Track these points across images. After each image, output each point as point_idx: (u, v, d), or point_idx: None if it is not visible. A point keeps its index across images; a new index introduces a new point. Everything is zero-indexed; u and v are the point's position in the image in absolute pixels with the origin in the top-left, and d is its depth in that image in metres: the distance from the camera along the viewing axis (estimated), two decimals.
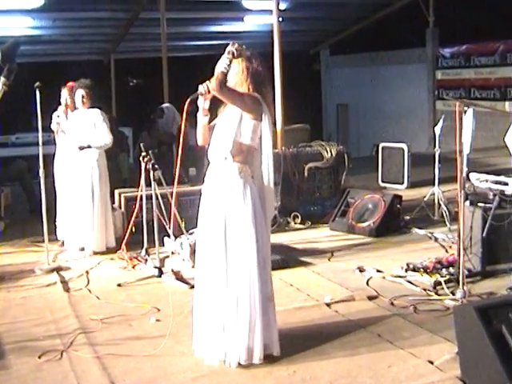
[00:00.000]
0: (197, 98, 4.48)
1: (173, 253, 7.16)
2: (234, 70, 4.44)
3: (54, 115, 7.69)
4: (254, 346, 4.38)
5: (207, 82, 4.43)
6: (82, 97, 7.36)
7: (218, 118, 4.59)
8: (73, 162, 7.46)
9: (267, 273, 4.50)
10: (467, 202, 6.02)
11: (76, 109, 7.49)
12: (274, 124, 4.59)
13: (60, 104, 7.70)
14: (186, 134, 4.75)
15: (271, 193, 4.58)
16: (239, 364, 4.38)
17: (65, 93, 7.62)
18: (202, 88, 4.43)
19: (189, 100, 4.44)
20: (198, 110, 4.55)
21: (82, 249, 7.40)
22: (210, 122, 4.58)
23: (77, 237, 7.45)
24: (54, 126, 7.67)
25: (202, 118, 4.55)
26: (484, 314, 3.95)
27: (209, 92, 4.41)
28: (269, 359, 4.45)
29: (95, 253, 7.33)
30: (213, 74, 4.39)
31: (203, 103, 4.49)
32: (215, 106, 4.63)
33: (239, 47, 4.42)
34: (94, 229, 7.36)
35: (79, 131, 7.38)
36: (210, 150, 4.53)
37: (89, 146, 7.33)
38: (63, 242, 7.67)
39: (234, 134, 4.37)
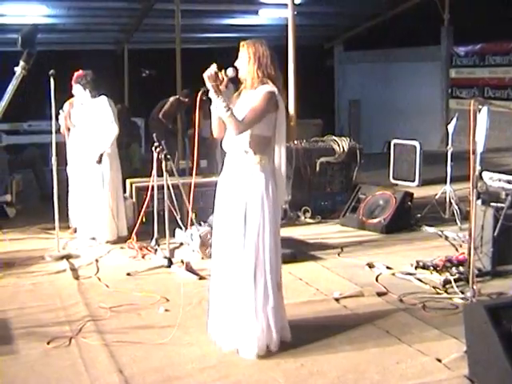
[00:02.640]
0: (208, 89, 4.47)
1: (182, 244, 7.17)
2: (242, 59, 4.44)
3: (65, 109, 7.66)
4: (273, 332, 4.45)
5: (218, 72, 4.42)
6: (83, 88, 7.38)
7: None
8: (83, 151, 7.47)
9: (279, 259, 4.57)
10: (479, 201, 5.99)
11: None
12: (287, 111, 4.57)
13: (72, 95, 7.66)
14: (200, 126, 4.75)
15: (283, 182, 4.59)
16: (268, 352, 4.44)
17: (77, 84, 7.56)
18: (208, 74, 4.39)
19: (201, 92, 4.45)
20: (211, 102, 4.55)
21: (93, 238, 7.43)
22: None
23: (88, 226, 7.47)
24: (61, 121, 7.60)
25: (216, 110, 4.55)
26: (494, 313, 3.94)
27: (220, 83, 4.41)
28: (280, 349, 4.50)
29: (107, 242, 7.36)
30: (227, 66, 4.40)
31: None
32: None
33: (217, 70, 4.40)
34: (105, 218, 7.38)
35: (88, 124, 7.39)
36: (225, 141, 4.53)
37: (101, 156, 7.34)
38: (75, 229, 7.69)
39: (252, 127, 4.37)
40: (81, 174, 7.53)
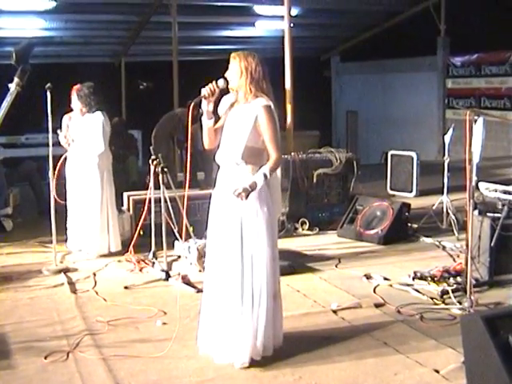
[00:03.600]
0: (200, 101, 4.49)
1: (180, 256, 7.17)
2: (233, 71, 4.44)
3: (64, 122, 7.66)
4: (263, 343, 4.43)
5: (210, 84, 4.44)
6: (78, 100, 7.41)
7: (223, 118, 4.59)
8: (75, 165, 7.48)
9: (277, 271, 4.57)
10: (476, 212, 6.01)
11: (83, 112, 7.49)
12: (281, 124, 4.59)
13: (71, 108, 7.65)
14: (194, 139, 4.76)
15: (278, 192, 4.60)
16: (252, 361, 4.42)
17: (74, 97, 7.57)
18: (205, 91, 4.43)
19: (192, 104, 4.46)
20: (202, 114, 4.56)
21: (80, 250, 7.42)
22: (215, 123, 4.58)
23: (77, 239, 7.47)
24: (62, 140, 7.60)
25: (207, 121, 4.55)
26: (491, 323, 3.93)
27: (212, 95, 4.43)
28: (275, 360, 4.49)
29: (100, 255, 7.35)
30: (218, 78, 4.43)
31: (207, 106, 4.49)
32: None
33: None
34: (95, 232, 7.37)
35: (81, 136, 7.40)
36: (219, 153, 4.53)
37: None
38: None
39: (246, 140, 4.38)
40: (73, 188, 7.52)
